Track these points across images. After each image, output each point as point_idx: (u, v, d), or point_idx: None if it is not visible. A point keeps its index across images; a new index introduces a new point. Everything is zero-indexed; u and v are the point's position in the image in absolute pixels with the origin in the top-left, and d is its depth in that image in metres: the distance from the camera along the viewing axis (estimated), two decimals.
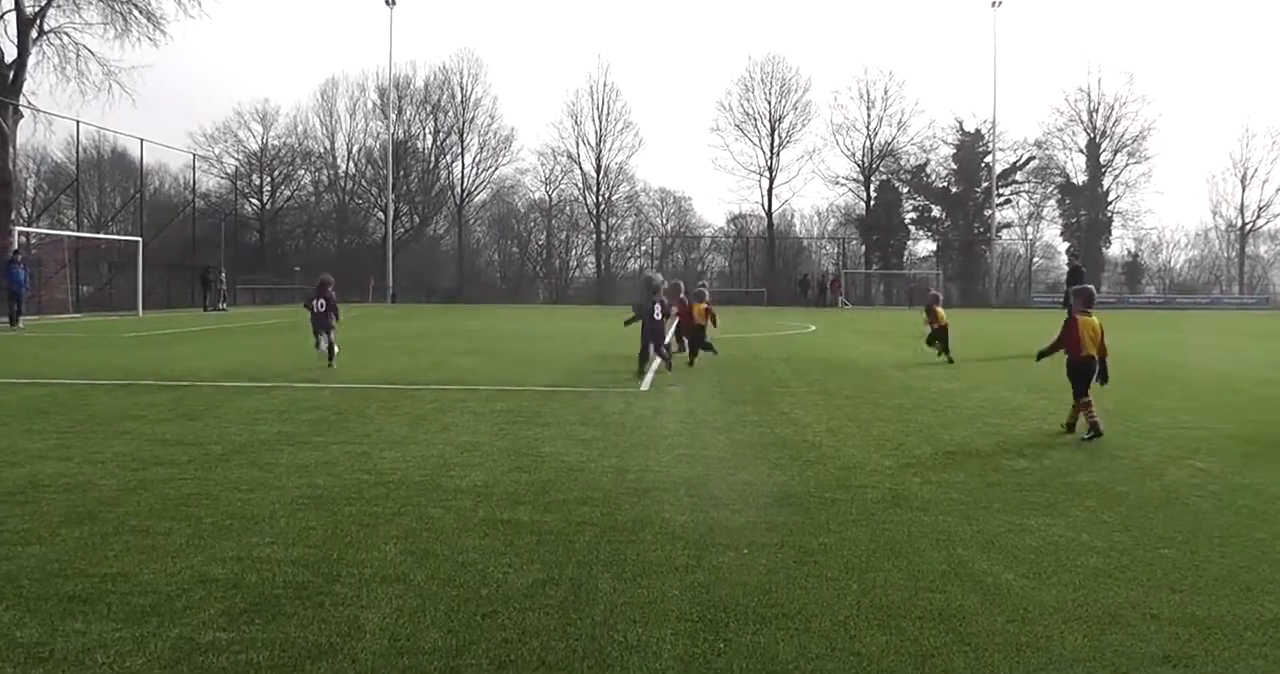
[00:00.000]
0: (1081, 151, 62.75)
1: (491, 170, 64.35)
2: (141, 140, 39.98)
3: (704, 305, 13.99)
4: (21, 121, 35.22)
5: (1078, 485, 5.98)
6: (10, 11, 34.04)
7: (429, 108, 63.88)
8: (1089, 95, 62.22)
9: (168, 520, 4.88)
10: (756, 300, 55.17)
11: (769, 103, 62.05)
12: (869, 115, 62.46)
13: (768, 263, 61.90)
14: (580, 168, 63.63)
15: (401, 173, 62.38)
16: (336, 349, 13.18)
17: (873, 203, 62.89)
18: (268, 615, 3.55)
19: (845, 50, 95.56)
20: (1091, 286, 8.77)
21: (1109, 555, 4.45)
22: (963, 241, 62.95)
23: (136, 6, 35.69)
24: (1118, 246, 64.79)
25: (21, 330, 22.82)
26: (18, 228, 31.51)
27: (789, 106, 61.97)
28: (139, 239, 34.85)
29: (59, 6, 35.12)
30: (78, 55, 35.60)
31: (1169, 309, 51.57)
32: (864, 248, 64.29)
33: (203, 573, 4.03)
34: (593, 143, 63.10)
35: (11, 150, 34.37)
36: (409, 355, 15.60)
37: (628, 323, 12.73)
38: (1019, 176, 63.53)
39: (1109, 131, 61.95)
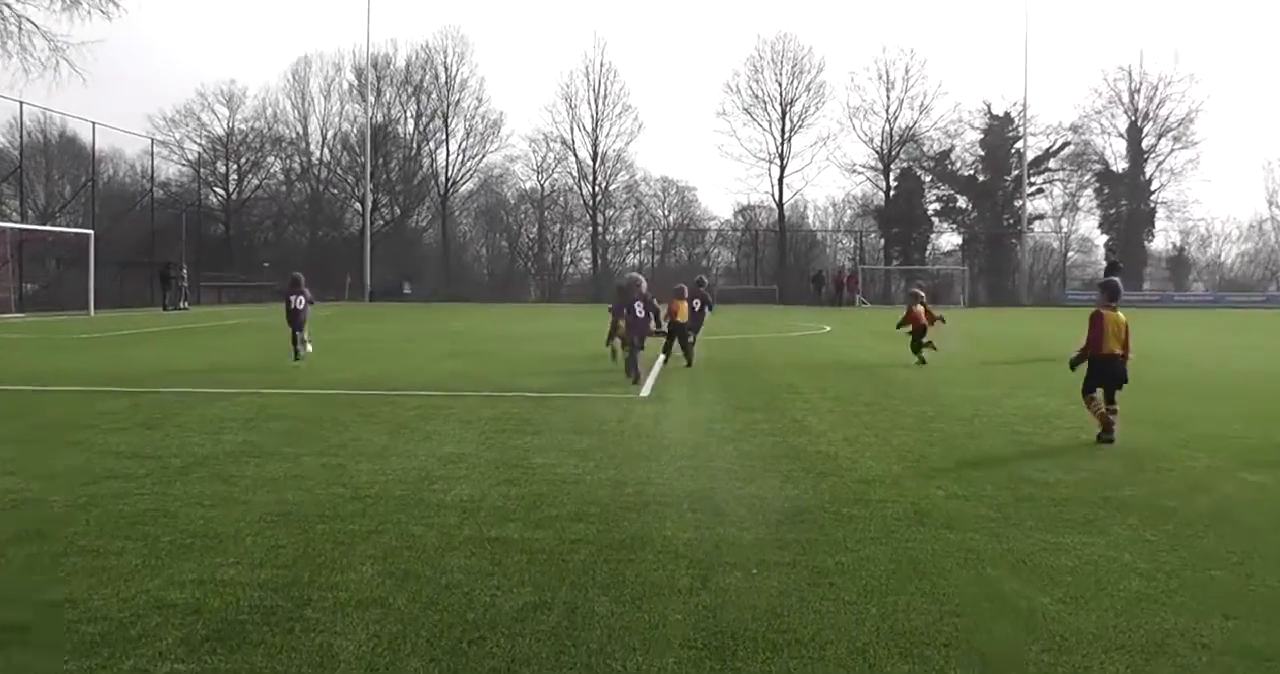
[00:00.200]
0: (1122, 136, 62.76)
1: (479, 158, 64.39)
2: (94, 123, 39.80)
3: (685, 303, 14.30)
4: None
5: (1119, 500, 5.97)
6: None
7: (410, 90, 63.90)
8: (1130, 74, 62.21)
9: (121, 539, 4.86)
10: (766, 299, 55.17)
11: (780, 85, 62.06)
12: (888, 98, 62.46)
13: (778, 258, 61.93)
14: (575, 155, 63.66)
15: (380, 160, 62.42)
16: (310, 347, 13.98)
17: (892, 193, 62.92)
18: (232, 644, 3.53)
19: (862, 27, 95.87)
20: (1117, 280, 8.83)
21: (1154, 578, 4.44)
22: (991, 235, 62.93)
23: None
24: (1162, 240, 64.79)
25: None
26: None
27: (801, 88, 61.99)
28: (90, 232, 34.86)
29: None
30: (20, 28, 35.49)
31: (1219, 308, 51.55)
32: (883, 242, 64.31)
33: (159, 598, 4.01)
34: (589, 128, 63.13)
35: None
36: (388, 358, 15.59)
37: (609, 341, 13.69)
38: (1053, 164, 63.53)
39: (1152, 114, 61.93)
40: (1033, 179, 61.78)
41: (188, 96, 76.14)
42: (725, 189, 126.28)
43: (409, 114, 64.33)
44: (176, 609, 3.87)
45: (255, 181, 62.60)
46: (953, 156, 63.70)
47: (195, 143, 59.36)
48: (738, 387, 11.91)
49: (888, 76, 62.42)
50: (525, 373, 13.36)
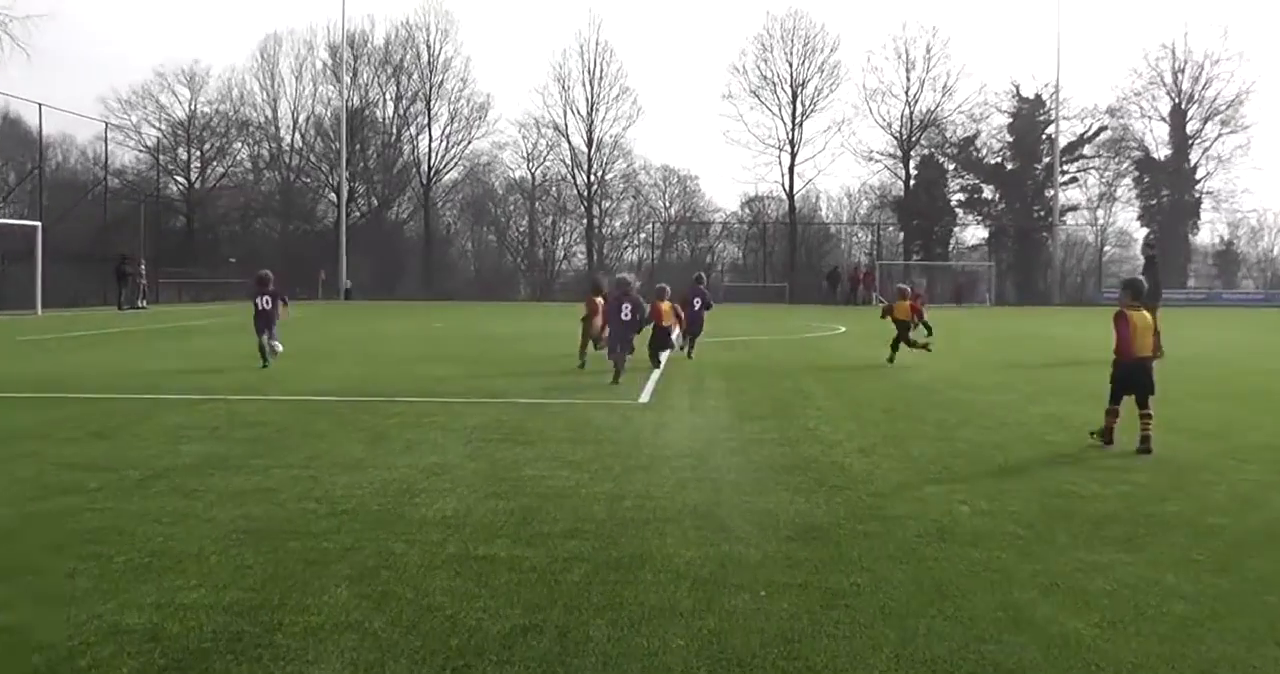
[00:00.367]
0: (1164, 120, 62.92)
1: (464, 144, 64.62)
2: (40, 105, 39.74)
3: (667, 304, 14.33)
4: None
5: (1160, 517, 5.96)
6: None
7: (390, 70, 64.10)
8: (1173, 53, 62.43)
9: (72, 560, 4.84)
10: (776, 297, 55.28)
11: (790, 65, 62.33)
12: (908, 79, 62.73)
13: (789, 253, 62.04)
14: (568, 141, 63.88)
15: (357, 146, 62.53)
16: (279, 347, 14.15)
17: (913, 182, 63.07)
18: None
19: (880, 3, 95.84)
20: (1141, 278, 9.01)
21: (1200, 602, 4.43)
22: (1019, 228, 63.02)
23: None
24: (1207, 233, 65.00)
25: None
26: None
27: (814, 69, 62.26)
28: (38, 224, 34.81)
29: None
30: None
31: (1271, 307, 51.59)
32: (902, 235, 64.47)
33: (114, 623, 4.00)
34: (583, 112, 63.36)
35: None
36: (366, 362, 15.59)
37: (597, 346, 13.98)
38: (1087, 150, 63.72)
39: (1197, 96, 62.09)
40: (1065, 167, 61.92)
41: (145, 77, 76.36)
42: (731, 178, 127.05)
43: (388, 96, 64.57)
44: (132, 636, 3.86)
45: (220, 169, 62.78)
46: (978, 143, 63.88)
47: (154, 127, 59.51)
48: (745, 392, 11.92)
49: (907, 56, 62.72)
50: (515, 377, 13.37)
